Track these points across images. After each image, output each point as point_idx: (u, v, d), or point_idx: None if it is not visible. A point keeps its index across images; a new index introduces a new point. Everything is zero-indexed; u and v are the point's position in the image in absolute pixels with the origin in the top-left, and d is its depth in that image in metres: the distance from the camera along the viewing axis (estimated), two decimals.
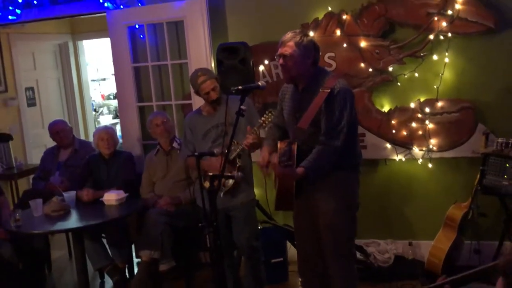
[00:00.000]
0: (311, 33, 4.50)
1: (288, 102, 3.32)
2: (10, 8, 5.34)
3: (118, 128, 8.77)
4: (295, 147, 3.13)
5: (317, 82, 3.14)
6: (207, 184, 3.18)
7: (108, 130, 4.84)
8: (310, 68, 3.16)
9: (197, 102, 4.63)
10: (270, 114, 3.55)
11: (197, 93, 3.99)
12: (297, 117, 3.17)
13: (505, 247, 4.08)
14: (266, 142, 3.45)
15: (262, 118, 3.57)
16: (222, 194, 3.78)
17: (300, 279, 3.71)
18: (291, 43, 3.09)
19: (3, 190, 4.77)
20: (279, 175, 3.14)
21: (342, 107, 3.07)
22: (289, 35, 3.13)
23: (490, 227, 4.31)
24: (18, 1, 5.31)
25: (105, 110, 9.62)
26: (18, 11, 5.33)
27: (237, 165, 3.80)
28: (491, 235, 4.26)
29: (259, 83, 3.23)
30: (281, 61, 3.14)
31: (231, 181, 3.77)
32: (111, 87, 9.68)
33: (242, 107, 3.03)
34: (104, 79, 9.83)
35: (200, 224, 3.17)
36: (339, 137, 3.08)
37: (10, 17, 5.37)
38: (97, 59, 9.35)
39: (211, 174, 3.09)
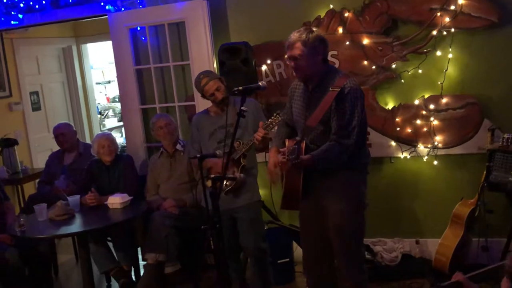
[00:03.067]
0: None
1: (298, 100, 3.30)
2: (13, 13, 5.35)
3: (124, 131, 8.82)
4: (303, 145, 3.12)
5: (327, 81, 3.11)
6: (209, 183, 3.17)
7: (108, 137, 4.80)
8: (322, 64, 3.13)
9: (200, 103, 4.62)
10: (277, 116, 3.53)
11: (203, 96, 3.99)
12: (307, 115, 3.15)
13: None
14: (274, 142, 3.42)
15: (270, 120, 3.55)
16: (224, 193, 3.75)
17: (306, 280, 3.68)
18: (298, 44, 3.04)
19: (8, 196, 4.77)
20: (287, 172, 3.12)
21: (353, 106, 3.05)
22: (295, 35, 3.07)
23: (497, 224, 4.25)
24: (20, 6, 5.32)
25: (110, 113, 9.62)
26: (20, 15, 5.34)
27: (242, 165, 3.79)
28: (499, 232, 4.21)
29: (260, 84, 3.21)
30: (292, 63, 3.11)
31: (241, 175, 3.76)
32: (116, 90, 9.66)
33: (243, 108, 3.01)
34: (109, 82, 9.83)
35: (202, 227, 3.14)
36: (350, 136, 3.06)
37: (12, 22, 5.37)
38: (102, 62, 9.36)
39: (212, 176, 3.08)
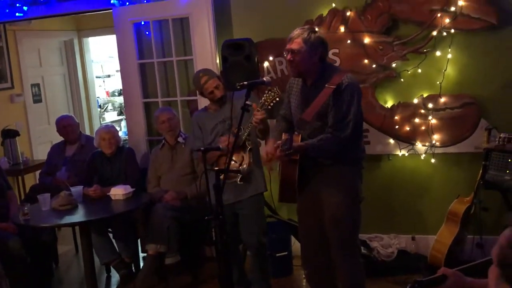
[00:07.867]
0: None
1: (296, 95, 3.38)
2: (18, 5, 5.39)
3: (123, 125, 8.86)
4: (298, 138, 3.21)
5: (325, 78, 3.20)
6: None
7: (110, 129, 4.87)
8: (317, 64, 3.22)
9: (202, 98, 4.66)
10: (270, 93, 3.46)
11: (202, 94, 4.06)
12: (303, 109, 3.24)
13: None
14: (271, 135, 3.49)
15: (263, 98, 3.49)
16: (239, 180, 3.74)
17: (304, 272, 3.75)
18: (299, 40, 3.15)
19: (11, 185, 4.82)
20: (283, 164, 3.20)
21: (350, 101, 3.15)
22: (297, 31, 3.19)
23: (492, 221, 4.33)
24: None
25: (109, 106, 9.66)
26: (25, 8, 5.37)
27: (248, 148, 3.80)
28: (493, 229, 4.28)
29: (264, 79, 3.29)
30: (289, 56, 3.20)
31: (245, 167, 3.76)
32: (115, 84, 9.71)
33: (248, 102, 3.08)
34: (108, 76, 9.86)
35: (206, 217, 3.20)
36: (346, 129, 3.16)
37: (17, 14, 5.41)
38: (102, 56, 9.38)
39: (216, 168, 3.14)
